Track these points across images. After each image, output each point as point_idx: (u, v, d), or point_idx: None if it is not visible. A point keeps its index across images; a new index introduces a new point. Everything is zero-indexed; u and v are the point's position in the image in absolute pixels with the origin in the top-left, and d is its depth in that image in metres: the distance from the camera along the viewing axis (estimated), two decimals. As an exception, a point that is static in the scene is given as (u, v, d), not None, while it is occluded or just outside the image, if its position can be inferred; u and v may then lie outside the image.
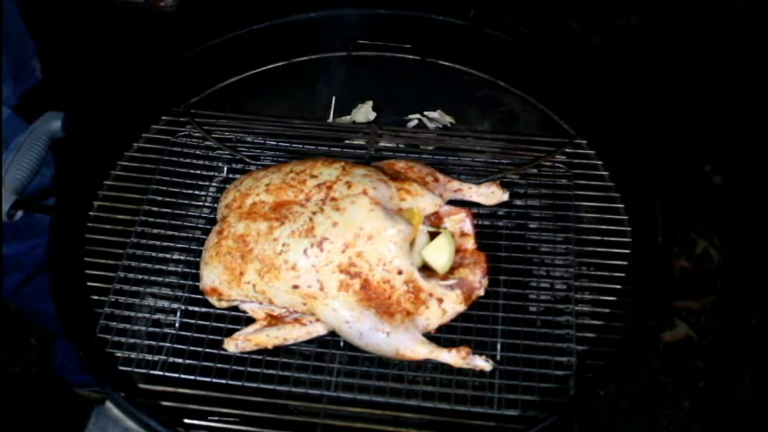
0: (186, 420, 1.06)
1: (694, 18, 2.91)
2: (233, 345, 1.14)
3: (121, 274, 1.23)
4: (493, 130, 1.55)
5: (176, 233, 1.31)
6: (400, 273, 1.11)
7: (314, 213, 1.14)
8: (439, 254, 1.18)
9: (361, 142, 1.46)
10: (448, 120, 1.65)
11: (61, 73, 1.69)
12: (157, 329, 1.18)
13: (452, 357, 1.09)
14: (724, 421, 2.16)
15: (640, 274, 1.19)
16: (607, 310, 1.17)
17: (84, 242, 1.26)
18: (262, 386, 1.11)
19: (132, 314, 1.20)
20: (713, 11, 2.89)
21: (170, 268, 1.26)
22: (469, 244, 1.22)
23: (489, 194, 1.30)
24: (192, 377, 1.12)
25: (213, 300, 1.19)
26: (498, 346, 1.15)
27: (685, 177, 2.56)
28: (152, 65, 1.45)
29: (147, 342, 1.17)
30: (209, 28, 1.48)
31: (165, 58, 1.45)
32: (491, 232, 1.29)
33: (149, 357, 1.14)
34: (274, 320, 1.17)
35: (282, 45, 1.51)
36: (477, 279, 1.16)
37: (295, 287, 1.11)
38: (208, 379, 1.12)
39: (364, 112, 1.64)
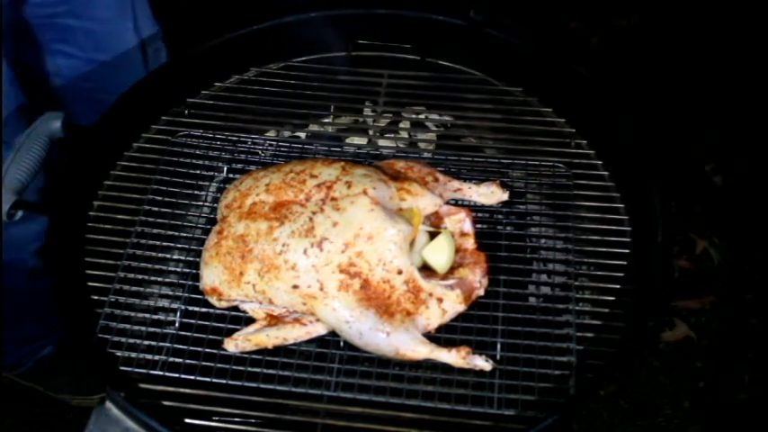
0: (186, 420, 1.06)
1: (694, 17, 2.91)
2: (233, 345, 1.14)
3: (121, 274, 1.23)
4: (493, 130, 1.55)
5: (176, 233, 1.30)
6: (400, 273, 1.11)
7: (314, 213, 1.14)
8: (439, 254, 1.17)
9: (362, 142, 1.46)
10: (448, 120, 1.65)
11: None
12: (157, 329, 1.18)
13: (452, 357, 1.09)
14: (724, 421, 2.16)
15: (640, 274, 1.19)
16: (607, 310, 1.17)
17: (84, 242, 1.26)
18: (262, 386, 1.11)
19: (132, 314, 1.20)
20: (713, 10, 2.89)
21: (170, 268, 1.26)
22: (469, 244, 1.21)
23: (489, 194, 1.29)
24: (192, 377, 1.12)
25: (213, 300, 1.19)
26: (498, 346, 1.14)
27: (685, 177, 2.56)
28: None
29: (147, 342, 1.17)
30: (209, 28, 1.48)
31: (165, 59, 1.46)
32: (491, 232, 1.29)
33: (149, 357, 1.14)
34: (274, 320, 1.17)
35: (282, 45, 1.51)
36: (477, 279, 1.16)
37: (295, 287, 1.11)
38: (208, 379, 1.12)
39: (363, 113, 1.64)
